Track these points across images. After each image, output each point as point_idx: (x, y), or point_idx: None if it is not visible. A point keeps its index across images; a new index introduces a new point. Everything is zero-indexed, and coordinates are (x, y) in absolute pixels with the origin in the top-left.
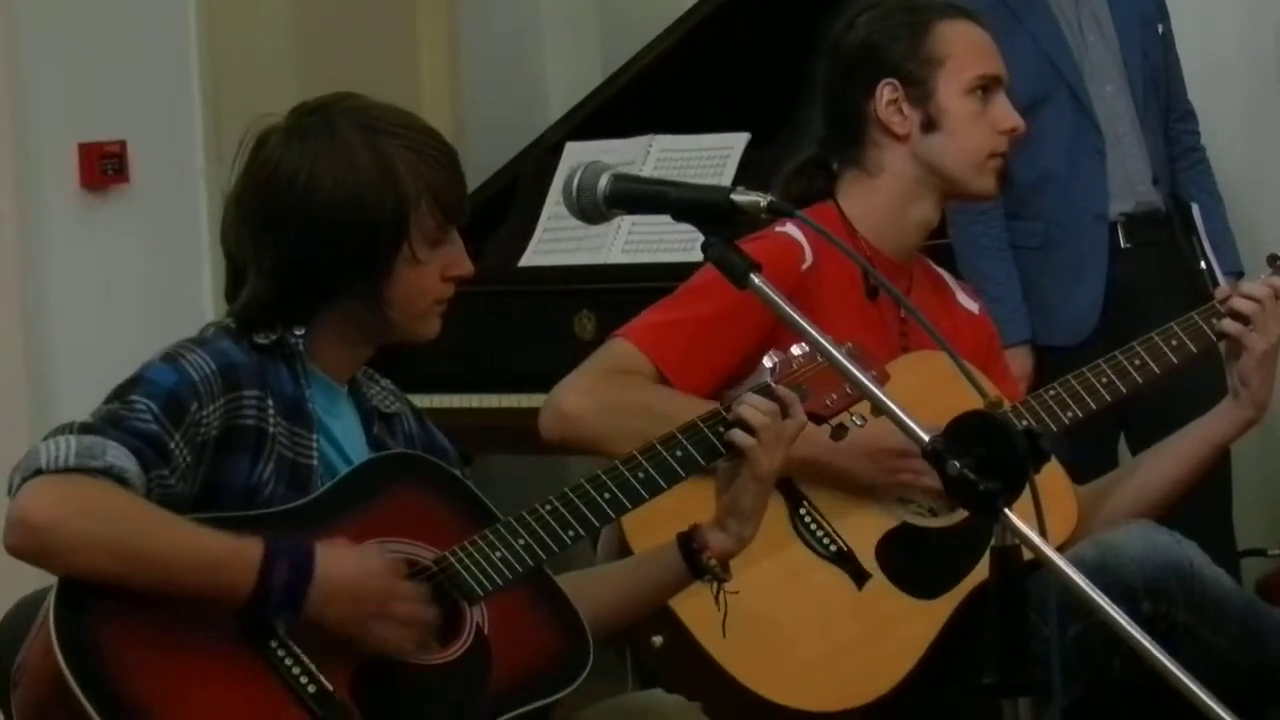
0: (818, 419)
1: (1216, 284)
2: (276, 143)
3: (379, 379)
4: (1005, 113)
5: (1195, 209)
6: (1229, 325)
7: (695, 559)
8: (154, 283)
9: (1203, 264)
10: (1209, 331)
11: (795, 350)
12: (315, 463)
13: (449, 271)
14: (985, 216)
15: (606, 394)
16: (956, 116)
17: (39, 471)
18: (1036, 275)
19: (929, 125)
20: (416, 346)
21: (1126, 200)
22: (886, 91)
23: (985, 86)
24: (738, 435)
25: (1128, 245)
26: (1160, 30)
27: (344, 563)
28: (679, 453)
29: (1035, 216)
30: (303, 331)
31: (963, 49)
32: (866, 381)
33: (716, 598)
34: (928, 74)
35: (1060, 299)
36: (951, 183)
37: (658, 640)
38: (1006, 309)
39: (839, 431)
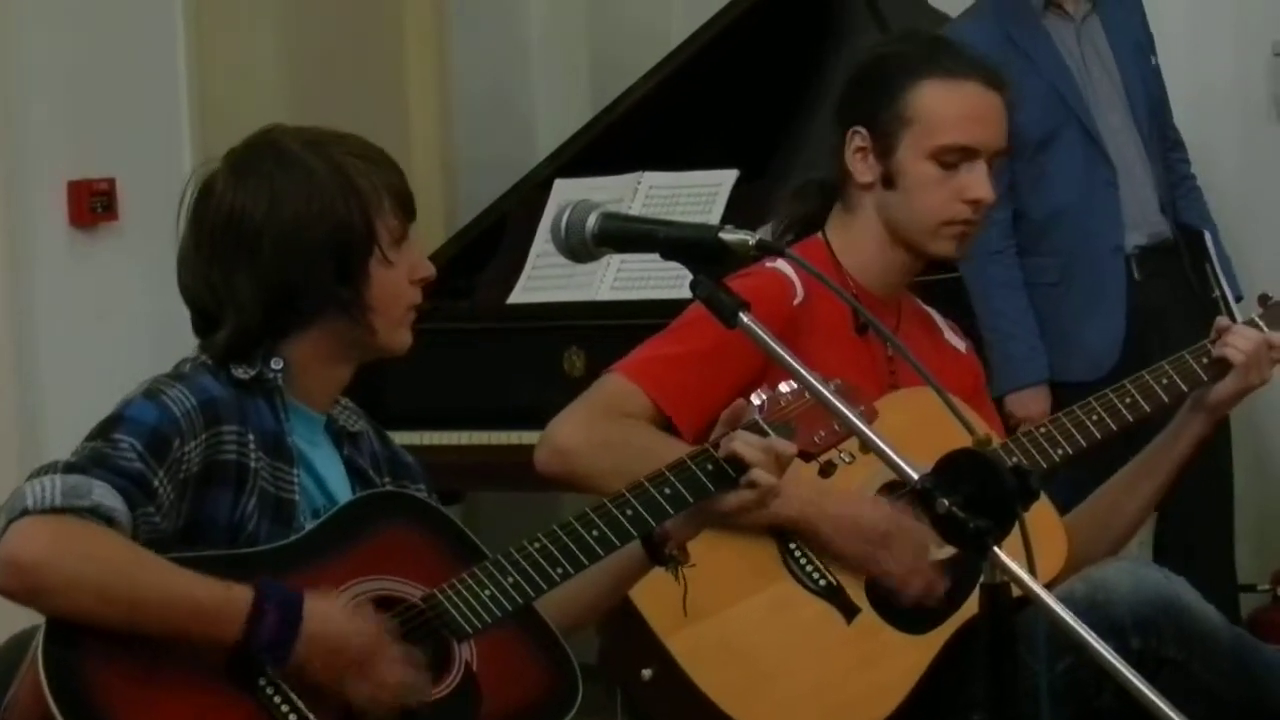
0: (806, 456)
1: (1230, 311)
2: (226, 183)
3: (339, 398)
4: (973, 183)
5: (1207, 236)
6: (1229, 353)
7: (657, 549)
8: (143, 321)
9: (1215, 291)
10: (1199, 370)
11: (783, 387)
12: (297, 498)
13: (414, 275)
14: (1000, 255)
15: (603, 431)
16: (913, 179)
17: (25, 512)
18: (1055, 311)
19: (888, 181)
20: (390, 362)
21: (1140, 231)
22: (855, 139)
23: (952, 157)
24: (758, 475)
25: (1139, 277)
26: (1153, 61)
27: (333, 618)
28: (668, 490)
29: (1051, 252)
30: (281, 366)
31: (936, 115)
32: (854, 419)
33: (676, 576)
34: (895, 130)
35: (1080, 334)
36: (907, 241)
37: (647, 673)
38: (1023, 348)
39: (827, 469)
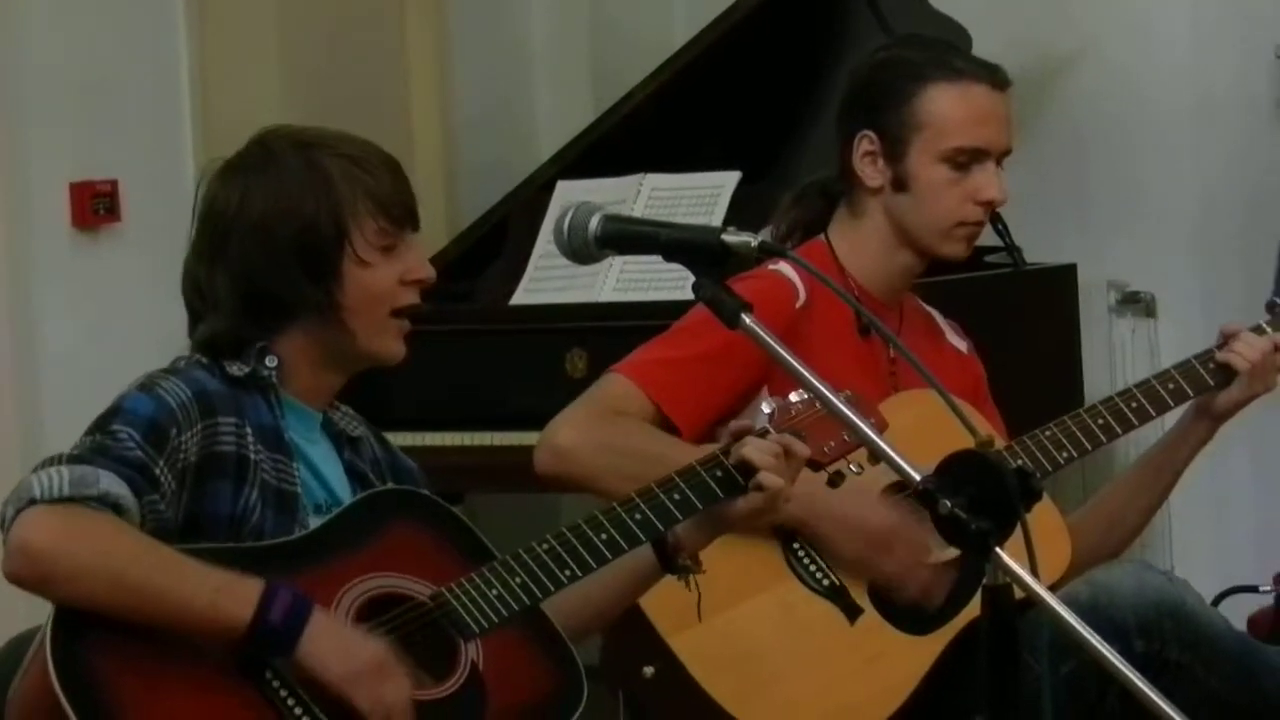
0: (815, 466)
1: None
2: (215, 180)
3: (339, 405)
4: (985, 184)
5: None
6: (1234, 360)
7: (669, 558)
8: (146, 323)
9: None
10: (1205, 376)
11: (794, 397)
12: (299, 490)
13: (407, 276)
14: None
15: (602, 432)
16: (925, 183)
17: (33, 501)
18: None
19: (898, 185)
20: (385, 373)
21: None
22: (864, 144)
23: (963, 158)
24: (767, 478)
25: None
26: None
27: (339, 625)
28: (676, 496)
29: None
30: (275, 364)
31: (946, 118)
32: (853, 418)
33: (689, 585)
34: (906, 135)
35: None
36: (918, 243)
37: (649, 671)
38: None
39: (836, 479)
